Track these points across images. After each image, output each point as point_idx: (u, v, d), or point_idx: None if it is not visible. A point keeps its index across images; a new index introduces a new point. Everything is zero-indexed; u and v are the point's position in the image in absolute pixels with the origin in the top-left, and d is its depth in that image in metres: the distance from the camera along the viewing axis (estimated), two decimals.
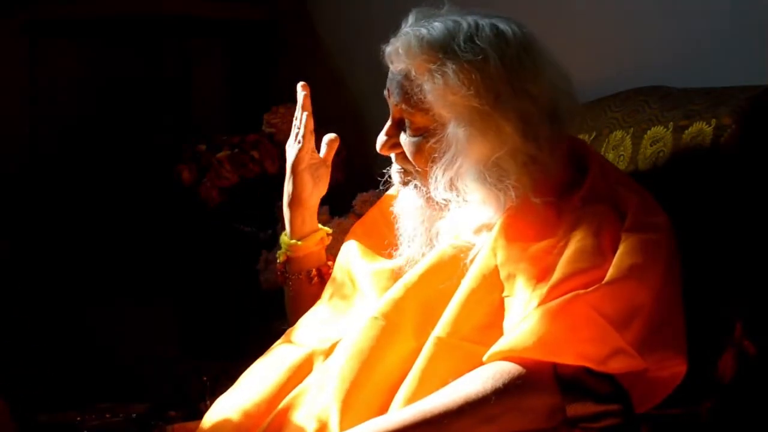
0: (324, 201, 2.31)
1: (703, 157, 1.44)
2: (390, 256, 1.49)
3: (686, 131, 1.48)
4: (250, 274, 2.36)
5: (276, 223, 2.35)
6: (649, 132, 1.54)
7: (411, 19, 1.40)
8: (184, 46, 2.69)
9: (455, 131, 1.33)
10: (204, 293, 2.41)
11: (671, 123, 1.51)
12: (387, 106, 1.44)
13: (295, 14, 2.86)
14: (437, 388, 1.23)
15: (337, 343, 1.39)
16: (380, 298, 1.37)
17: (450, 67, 1.31)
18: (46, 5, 2.52)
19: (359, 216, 2.25)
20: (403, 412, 1.22)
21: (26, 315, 2.25)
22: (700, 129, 1.46)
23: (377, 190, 2.29)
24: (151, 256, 2.48)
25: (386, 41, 1.39)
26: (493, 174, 1.32)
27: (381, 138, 1.45)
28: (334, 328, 1.44)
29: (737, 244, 1.37)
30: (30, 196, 2.47)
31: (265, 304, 2.31)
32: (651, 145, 1.52)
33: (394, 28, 1.40)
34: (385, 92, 1.44)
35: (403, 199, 1.47)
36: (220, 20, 2.74)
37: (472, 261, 1.32)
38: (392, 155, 1.46)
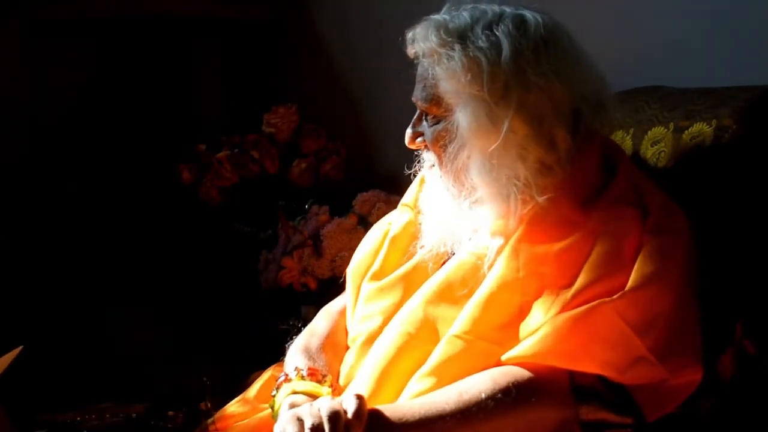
0: (324, 201, 2.33)
1: (703, 157, 1.44)
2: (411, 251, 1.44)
3: (687, 131, 1.48)
4: (250, 274, 2.36)
5: (276, 223, 2.35)
6: (649, 132, 1.54)
7: (444, 8, 1.36)
8: (184, 46, 2.68)
9: (457, 119, 1.29)
10: (204, 293, 2.41)
11: (672, 123, 1.51)
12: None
13: (295, 14, 2.86)
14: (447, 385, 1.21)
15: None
16: (402, 309, 1.35)
17: (457, 53, 1.27)
18: (46, 5, 2.52)
19: (359, 216, 2.25)
20: (406, 404, 1.19)
21: (25, 315, 2.24)
22: (701, 129, 1.46)
23: (377, 190, 2.31)
24: (151, 255, 2.48)
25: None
26: (500, 172, 1.27)
27: (407, 131, 1.40)
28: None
29: (738, 244, 1.37)
30: (30, 196, 2.47)
31: (265, 304, 2.31)
32: (651, 146, 1.52)
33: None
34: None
35: (430, 187, 1.43)
36: (220, 20, 2.74)
37: (491, 266, 1.29)
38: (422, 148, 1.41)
